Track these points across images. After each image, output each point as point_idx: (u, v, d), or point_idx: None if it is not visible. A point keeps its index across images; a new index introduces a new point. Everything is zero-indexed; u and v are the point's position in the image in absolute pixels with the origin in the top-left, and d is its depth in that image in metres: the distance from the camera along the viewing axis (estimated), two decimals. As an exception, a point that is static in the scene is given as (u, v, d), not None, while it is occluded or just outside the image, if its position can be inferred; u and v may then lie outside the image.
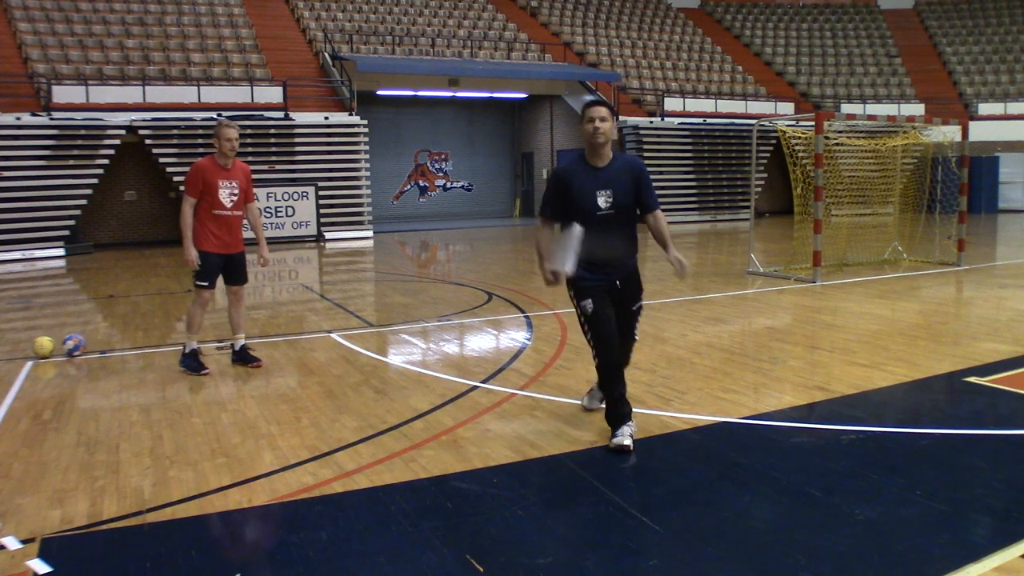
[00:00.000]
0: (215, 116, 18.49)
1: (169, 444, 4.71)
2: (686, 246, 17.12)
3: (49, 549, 3.38)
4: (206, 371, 6.38)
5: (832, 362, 6.40)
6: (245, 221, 6.58)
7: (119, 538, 3.52)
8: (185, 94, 19.05)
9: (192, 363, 6.41)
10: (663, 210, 4.63)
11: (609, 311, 4.49)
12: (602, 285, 4.48)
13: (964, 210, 12.51)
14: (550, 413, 5.16)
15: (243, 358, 6.62)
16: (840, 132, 13.79)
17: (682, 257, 4.48)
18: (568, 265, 4.25)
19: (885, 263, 12.57)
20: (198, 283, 6.37)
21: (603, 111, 4.40)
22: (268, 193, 18.73)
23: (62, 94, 17.85)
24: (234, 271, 6.53)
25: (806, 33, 32.24)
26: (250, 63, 20.98)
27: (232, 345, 6.72)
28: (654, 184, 4.61)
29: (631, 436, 4.45)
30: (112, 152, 17.61)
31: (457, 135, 28.20)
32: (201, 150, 17.06)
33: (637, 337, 4.80)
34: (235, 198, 6.37)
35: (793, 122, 18.18)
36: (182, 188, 6.25)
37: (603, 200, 4.39)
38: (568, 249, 4.25)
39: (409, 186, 27.68)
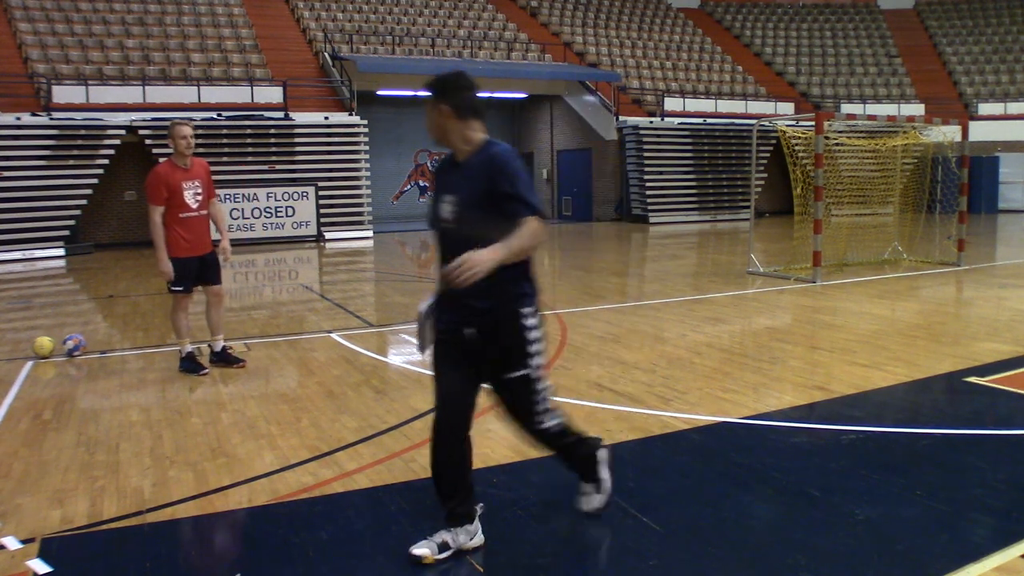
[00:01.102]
0: (215, 116, 18.50)
1: (169, 444, 4.71)
2: (686, 246, 17.12)
3: (49, 549, 3.38)
4: (205, 371, 6.37)
5: (832, 362, 6.40)
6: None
7: (119, 538, 3.52)
8: (185, 94, 19.04)
9: (190, 365, 6.41)
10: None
11: (453, 369, 3.22)
12: (450, 330, 3.19)
13: (964, 210, 12.51)
14: (550, 413, 5.15)
15: (224, 359, 6.58)
16: (840, 132, 13.81)
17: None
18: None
19: (885, 263, 12.57)
20: (173, 288, 6.31)
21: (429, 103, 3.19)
22: (268, 193, 18.72)
23: (62, 94, 17.84)
24: (208, 271, 6.46)
25: (806, 33, 32.22)
26: (250, 63, 20.97)
27: (211, 347, 6.67)
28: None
29: (438, 546, 3.20)
30: (112, 152, 17.59)
31: (457, 135, 28.19)
32: (201, 150, 17.04)
33: (547, 425, 3.28)
34: (200, 198, 6.30)
35: (793, 122, 18.17)
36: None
37: (447, 209, 3.13)
38: (419, 326, 3.26)
39: (409, 186, 27.67)
